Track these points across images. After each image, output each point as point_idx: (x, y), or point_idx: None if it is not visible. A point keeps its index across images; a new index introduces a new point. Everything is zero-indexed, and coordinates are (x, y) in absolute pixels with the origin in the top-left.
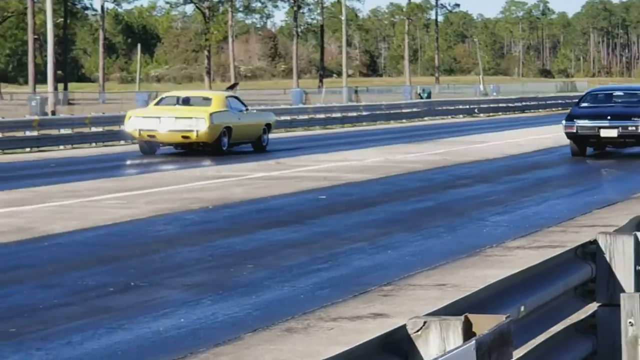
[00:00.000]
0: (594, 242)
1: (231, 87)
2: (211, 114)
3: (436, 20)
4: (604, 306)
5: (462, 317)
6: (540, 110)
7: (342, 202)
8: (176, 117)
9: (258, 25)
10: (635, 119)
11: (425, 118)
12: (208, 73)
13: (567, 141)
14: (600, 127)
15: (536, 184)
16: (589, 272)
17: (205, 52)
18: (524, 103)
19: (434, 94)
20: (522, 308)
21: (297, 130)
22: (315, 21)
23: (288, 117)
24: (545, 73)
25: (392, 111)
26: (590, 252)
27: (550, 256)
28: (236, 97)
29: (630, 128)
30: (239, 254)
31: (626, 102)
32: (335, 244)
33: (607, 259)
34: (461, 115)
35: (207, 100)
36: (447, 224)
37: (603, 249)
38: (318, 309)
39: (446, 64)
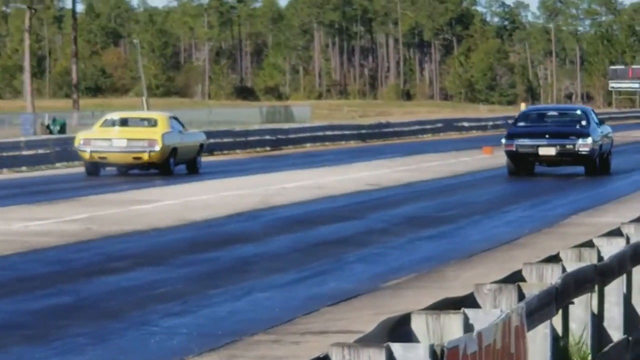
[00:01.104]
0: (325, 359)
1: None
2: (163, 135)
3: (73, 10)
4: None
5: None
6: (238, 150)
7: None
8: (128, 139)
9: None
10: (573, 137)
11: (58, 164)
12: None
13: (281, 200)
14: (539, 146)
15: (233, 267)
16: None
17: None
18: (212, 140)
19: (71, 126)
20: None
21: None
22: None
23: None
24: (246, 93)
25: (3, 153)
26: None
27: None
28: (175, 118)
29: (568, 146)
30: None
31: (561, 121)
32: None
33: None
34: None
35: (151, 121)
36: (94, 331)
37: None
38: None
39: (90, 79)
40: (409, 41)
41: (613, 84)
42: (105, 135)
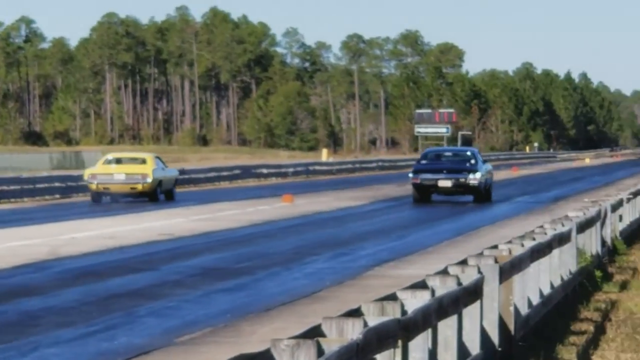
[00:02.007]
0: None
1: None
2: (152, 170)
3: None
4: None
5: None
6: (25, 198)
7: None
8: (126, 173)
9: None
10: (465, 173)
11: None
12: None
13: (70, 251)
14: (438, 179)
15: (19, 322)
16: None
17: None
18: None
19: None
20: None
21: None
22: None
23: None
24: (34, 138)
25: None
26: None
27: None
28: (158, 157)
29: (461, 180)
30: None
31: (455, 160)
32: None
33: None
34: None
35: (141, 159)
36: None
37: None
38: None
39: None
40: (205, 84)
41: (419, 129)
42: (107, 170)
